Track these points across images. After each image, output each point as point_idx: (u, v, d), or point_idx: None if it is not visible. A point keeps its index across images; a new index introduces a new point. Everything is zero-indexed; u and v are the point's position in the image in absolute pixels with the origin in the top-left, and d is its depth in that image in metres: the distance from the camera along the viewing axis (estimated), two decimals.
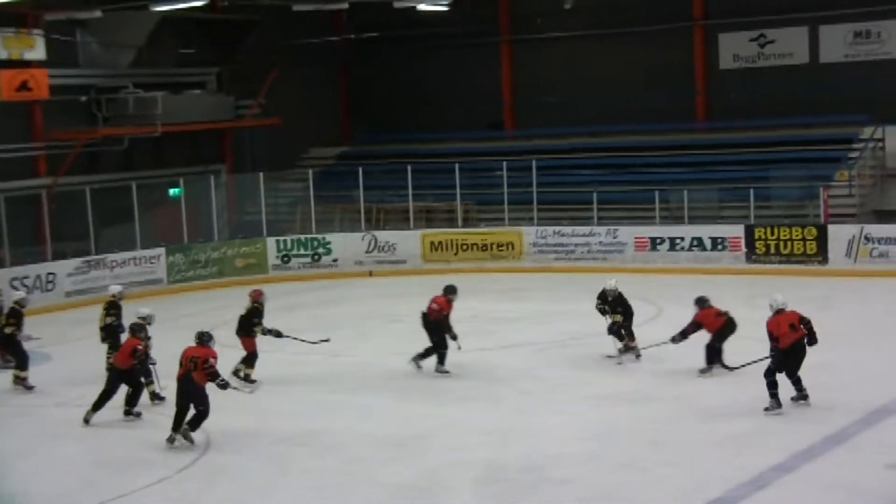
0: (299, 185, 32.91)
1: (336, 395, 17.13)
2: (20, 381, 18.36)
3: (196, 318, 23.78)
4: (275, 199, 32.99)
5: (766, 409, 14.89)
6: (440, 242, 29.54)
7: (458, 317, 18.62)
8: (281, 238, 29.86)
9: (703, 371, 17.11)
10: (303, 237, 29.97)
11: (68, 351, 21.15)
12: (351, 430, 15.28)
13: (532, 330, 21.38)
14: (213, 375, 14.70)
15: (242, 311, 18.06)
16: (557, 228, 28.86)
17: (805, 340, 14.92)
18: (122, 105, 30.57)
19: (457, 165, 30.29)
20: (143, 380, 16.61)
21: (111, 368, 16.76)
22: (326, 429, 15.37)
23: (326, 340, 18.76)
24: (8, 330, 18.36)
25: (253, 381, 17.53)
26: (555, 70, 34.90)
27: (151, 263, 27.92)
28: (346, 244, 29.72)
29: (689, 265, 26.92)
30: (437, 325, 17.83)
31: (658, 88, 32.73)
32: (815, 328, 15.01)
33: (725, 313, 17.15)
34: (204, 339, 14.95)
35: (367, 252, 29.64)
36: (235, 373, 17.65)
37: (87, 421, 15.96)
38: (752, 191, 27.47)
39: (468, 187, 30.65)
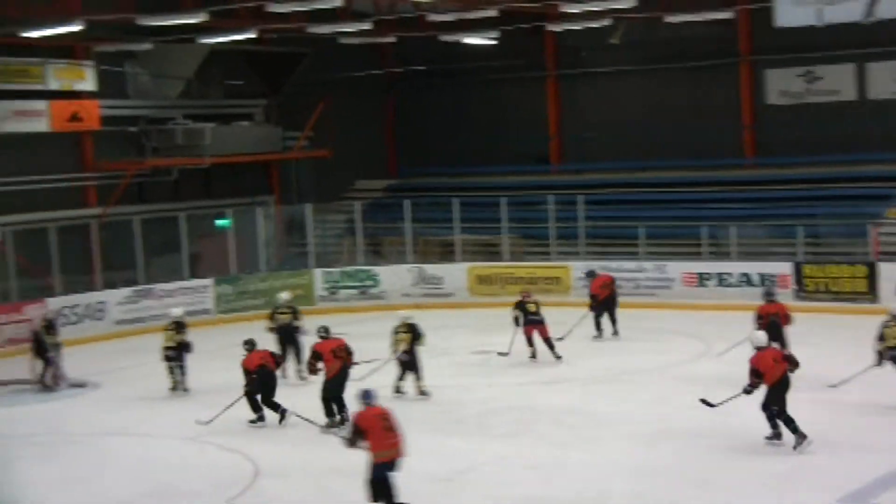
0: (346, 217, 33.06)
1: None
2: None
3: (240, 349, 23.87)
4: (322, 231, 33.13)
5: (766, 438, 15.27)
6: (487, 276, 29.51)
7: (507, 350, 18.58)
8: (328, 270, 29.98)
9: None
10: (350, 269, 30.08)
11: (117, 379, 21.29)
12: None
13: (577, 365, 21.25)
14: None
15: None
16: (604, 263, 28.71)
17: (788, 373, 15.30)
18: (171, 136, 30.81)
19: (503, 199, 30.28)
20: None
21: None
22: None
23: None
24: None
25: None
26: (601, 104, 34.91)
27: (200, 294, 28.10)
28: (393, 277, 29.77)
29: (738, 301, 26.71)
30: None
31: (705, 124, 32.63)
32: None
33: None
34: (329, 330, 17.48)
35: (413, 285, 29.67)
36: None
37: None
38: (800, 228, 27.30)
39: (515, 221, 30.60)
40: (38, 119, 27.63)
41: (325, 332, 17.41)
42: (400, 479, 14.40)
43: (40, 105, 27.70)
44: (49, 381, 20.72)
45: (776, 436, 15.27)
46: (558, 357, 21.07)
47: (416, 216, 30.67)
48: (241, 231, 30.52)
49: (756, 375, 15.20)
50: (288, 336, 20.78)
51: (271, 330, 20.96)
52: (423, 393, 18.72)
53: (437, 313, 28.30)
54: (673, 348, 22.48)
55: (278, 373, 18.17)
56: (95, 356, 22.25)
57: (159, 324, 21.84)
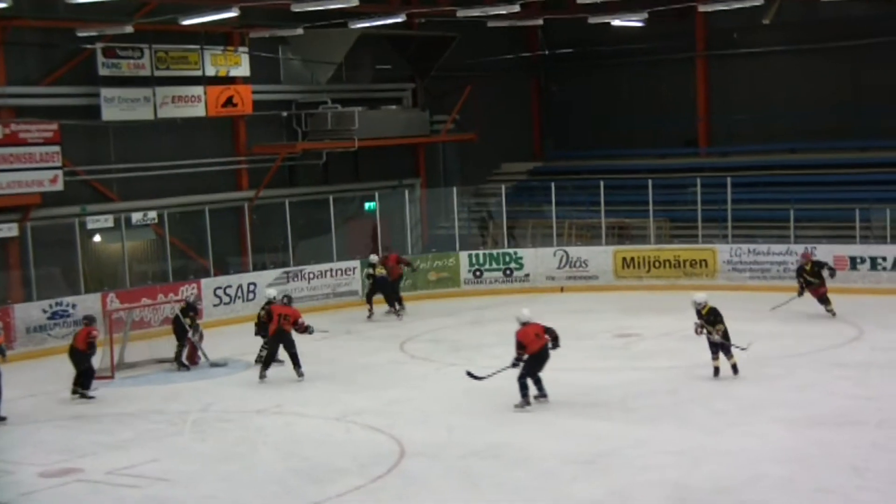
0: (492, 200, 33.19)
1: (523, 411, 17.18)
2: None
3: (386, 330, 24.23)
4: (467, 214, 33.32)
5: (516, 406, 17.02)
6: (632, 259, 29.31)
7: (651, 334, 18.43)
8: (473, 252, 30.17)
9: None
10: (495, 252, 30.22)
11: None
12: (538, 445, 15.36)
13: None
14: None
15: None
16: (752, 246, 28.28)
17: (549, 346, 17.21)
18: (321, 120, 31.29)
19: (650, 182, 29.97)
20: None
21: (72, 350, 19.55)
22: (514, 443, 15.48)
23: None
24: None
25: None
26: (751, 86, 34.28)
27: (347, 276, 28.56)
28: (537, 259, 29.80)
29: (892, 286, 26.06)
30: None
31: (862, 104, 31.78)
32: None
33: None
34: (291, 299, 21.13)
35: (558, 267, 29.62)
36: None
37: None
38: None
39: (661, 204, 30.28)
40: (194, 104, 28.33)
41: (287, 300, 20.99)
42: (543, 459, 14.56)
43: (197, 91, 28.40)
44: (185, 361, 21.65)
45: (525, 403, 17.02)
46: (833, 313, 23.11)
47: (561, 199, 30.61)
48: (387, 213, 30.89)
49: (520, 347, 17.03)
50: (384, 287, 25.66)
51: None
52: (734, 368, 18.82)
53: (581, 296, 28.32)
54: (822, 333, 22.07)
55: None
56: (246, 336, 22.76)
57: (307, 305, 22.25)
